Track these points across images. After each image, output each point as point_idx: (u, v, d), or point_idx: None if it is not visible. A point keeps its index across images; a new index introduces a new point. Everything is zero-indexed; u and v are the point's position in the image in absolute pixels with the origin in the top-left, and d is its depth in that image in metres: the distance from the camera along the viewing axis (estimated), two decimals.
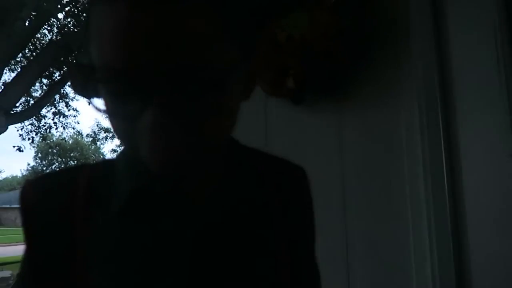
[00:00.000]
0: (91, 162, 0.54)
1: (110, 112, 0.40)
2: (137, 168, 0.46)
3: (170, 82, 0.36)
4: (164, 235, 0.46)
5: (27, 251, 0.47)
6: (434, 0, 1.23)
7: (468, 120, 1.14)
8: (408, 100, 1.23)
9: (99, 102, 0.41)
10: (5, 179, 46.99)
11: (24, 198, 0.47)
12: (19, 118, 9.08)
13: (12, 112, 8.25)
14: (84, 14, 8.82)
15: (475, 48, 1.14)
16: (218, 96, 0.38)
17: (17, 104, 8.86)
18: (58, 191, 0.47)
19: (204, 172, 0.48)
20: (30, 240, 0.47)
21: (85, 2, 9.08)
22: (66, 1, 9.26)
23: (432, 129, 1.16)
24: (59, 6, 9.04)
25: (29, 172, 33.63)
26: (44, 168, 32.09)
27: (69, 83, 8.82)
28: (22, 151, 9.63)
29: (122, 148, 0.50)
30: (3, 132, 7.60)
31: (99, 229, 0.46)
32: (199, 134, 0.39)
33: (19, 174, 43.96)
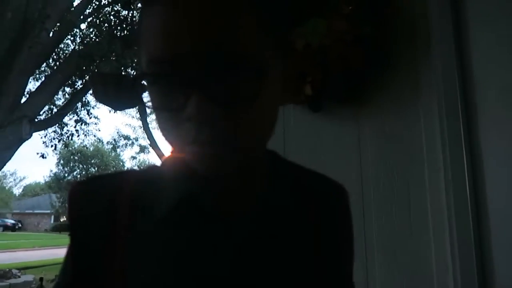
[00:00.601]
0: (138, 168, 0.55)
1: (157, 106, 0.41)
2: (182, 176, 0.46)
3: (211, 73, 0.37)
4: (204, 246, 0.46)
5: (70, 249, 0.48)
6: (454, 4, 1.21)
7: (490, 125, 1.12)
8: (428, 105, 1.21)
9: (147, 100, 0.42)
10: (28, 185, 48.16)
11: (71, 198, 0.49)
12: (43, 125, 9.33)
13: (36, 120, 8.49)
14: (106, 25, 9.05)
15: (496, 51, 1.12)
16: (257, 88, 0.39)
17: (41, 112, 9.12)
18: (103, 194, 0.48)
19: (245, 176, 0.48)
20: (73, 239, 0.48)
21: (106, 13, 9.31)
22: (88, 12, 9.52)
23: (453, 135, 1.14)
24: (81, 17, 9.30)
25: (51, 178, 34.39)
26: (66, 175, 32.77)
27: (90, 92, 9.02)
28: (45, 157, 9.87)
29: (168, 154, 0.50)
30: (28, 139, 7.82)
31: (140, 235, 0.46)
32: (241, 122, 0.39)
33: (42, 181, 45.03)
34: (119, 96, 1.55)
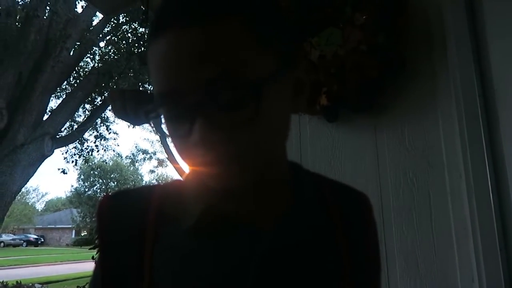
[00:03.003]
0: (164, 182, 0.57)
1: (169, 133, 0.45)
2: (204, 188, 0.47)
3: (211, 99, 0.40)
4: (229, 257, 0.47)
5: (100, 262, 0.50)
6: (469, 5, 1.20)
7: None
8: (447, 110, 1.20)
9: (161, 126, 0.47)
10: (50, 200, 49.04)
11: (100, 212, 0.50)
12: (64, 142, 9.56)
13: (57, 136, 8.70)
14: (124, 42, 9.27)
15: None
16: (256, 107, 0.40)
17: (62, 129, 9.35)
18: (131, 208, 0.50)
19: (265, 189, 0.49)
20: (102, 251, 0.50)
21: (124, 31, 9.55)
22: (107, 30, 9.78)
23: (474, 138, 1.12)
24: (100, 36, 9.56)
25: (72, 193, 34.99)
26: (86, 190, 33.30)
27: (109, 108, 9.20)
28: (66, 173, 10.08)
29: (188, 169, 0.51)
30: (49, 156, 8.01)
31: (167, 247, 0.48)
32: (244, 142, 0.41)
33: (63, 196, 45.86)
34: (137, 111, 1.57)
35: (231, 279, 0.46)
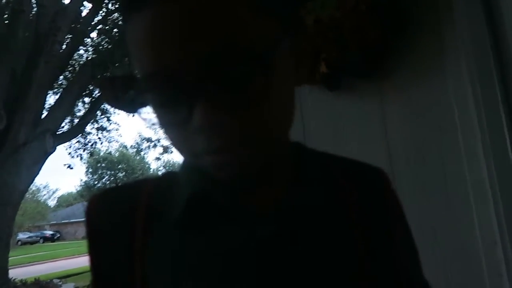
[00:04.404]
0: (155, 176, 0.54)
1: (161, 122, 0.39)
2: (196, 177, 0.44)
3: (213, 77, 0.34)
4: (226, 246, 0.43)
5: (91, 262, 0.48)
6: None
7: None
8: (456, 69, 1.11)
9: (148, 114, 0.40)
10: (62, 196, 49.75)
11: (89, 211, 0.48)
12: (66, 137, 9.55)
13: (58, 132, 8.69)
14: (116, 30, 9.12)
15: None
16: (266, 83, 0.36)
17: (63, 124, 9.32)
18: (120, 205, 0.48)
19: (268, 174, 0.44)
20: (93, 250, 0.48)
21: (114, 19, 9.38)
22: (98, 20, 9.61)
23: (488, 98, 1.04)
24: (91, 26, 9.40)
25: (82, 187, 35.41)
26: (96, 182, 33.68)
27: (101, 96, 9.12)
28: (72, 168, 10.15)
29: (182, 159, 0.47)
30: (52, 153, 8.02)
31: (158, 240, 0.45)
32: (254, 123, 0.37)
33: (74, 190, 46.43)
34: (129, 97, 1.52)
35: (227, 270, 0.42)
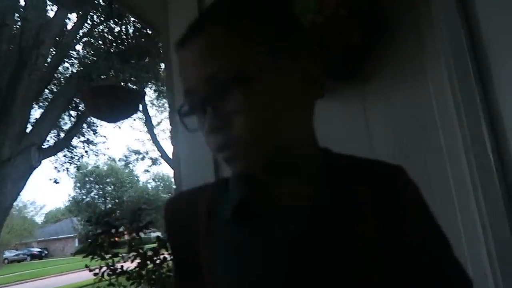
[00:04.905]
0: (212, 182, 0.65)
1: (199, 129, 0.52)
2: (238, 184, 0.56)
3: (212, 91, 0.47)
4: (258, 243, 0.52)
5: (171, 250, 0.61)
6: None
7: (507, 82, 1.04)
8: (435, 70, 1.14)
9: (191, 123, 0.52)
10: (49, 212, 48.71)
11: (165, 211, 0.61)
12: (52, 151, 9.41)
13: (44, 146, 8.56)
14: (101, 43, 9.07)
15: (506, 3, 1.04)
16: (244, 95, 0.46)
17: (48, 138, 9.19)
18: (187, 207, 0.59)
19: (297, 179, 0.53)
20: (170, 242, 0.60)
21: (100, 31, 9.34)
22: (83, 33, 9.56)
23: (467, 97, 1.06)
24: (76, 39, 9.35)
25: (70, 202, 34.79)
26: (84, 197, 33.11)
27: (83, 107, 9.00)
28: (58, 182, 10.01)
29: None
30: (37, 167, 7.89)
31: (215, 238, 0.55)
32: (243, 127, 0.47)
33: (62, 206, 45.57)
34: (112, 108, 1.50)
35: (263, 266, 0.51)
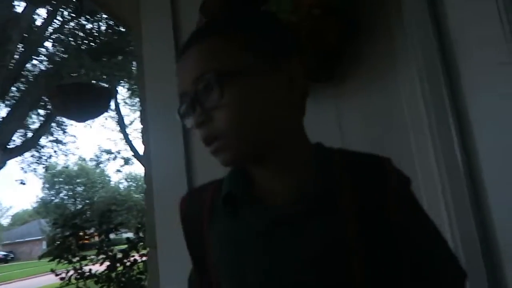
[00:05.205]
0: (221, 178, 0.66)
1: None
2: (227, 179, 0.62)
3: (197, 92, 0.54)
4: (244, 231, 0.57)
5: (187, 248, 0.67)
6: None
7: (474, 82, 1.07)
8: (407, 72, 1.16)
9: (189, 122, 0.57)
10: (16, 214, 47.00)
11: (180, 207, 0.68)
12: (18, 151, 9.06)
13: (10, 146, 8.23)
14: (71, 40, 8.82)
15: (472, 6, 1.07)
16: (222, 94, 0.52)
17: (14, 138, 8.84)
18: (195, 202, 0.67)
19: (285, 171, 0.58)
20: (184, 235, 0.67)
21: (70, 28, 9.08)
22: (53, 30, 9.26)
23: (436, 98, 1.08)
24: (45, 35, 9.04)
25: (38, 204, 33.64)
26: (53, 198, 32.07)
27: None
28: (25, 184, 9.64)
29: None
30: (1, 168, 7.58)
31: (214, 228, 0.61)
32: (223, 122, 0.52)
33: (29, 207, 44.00)
34: (80, 106, 1.45)
35: (245, 251, 0.56)
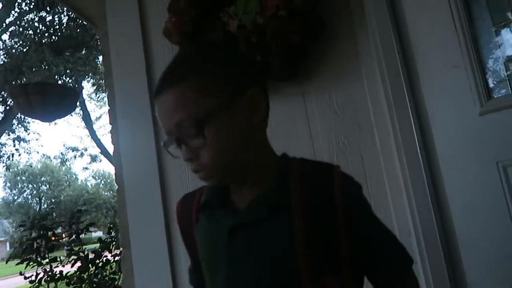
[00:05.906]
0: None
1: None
2: (208, 189, 0.74)
3: (181, 134, 0.64)
4: (214, 231, 0.69)
5: (184, 243, 0.78)
6: None
7: (431, 80, 1.13)
8: (370, 72, 1.21)
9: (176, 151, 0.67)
10: None
11: (176, 211, 0.79)
12: None
13: None
14: (31, 33, 8.43)
15: (429, 8, 1.13)
16: (203, 134, 0.62)
17: None
18: (187, 205, 0.77)
19: (252, 180, 0.68)
20: (181, 235, 0.78)
21: (29, 20, 8.67)
22: (10, 21, 8.82)
23: (398, 97, 1.14)
24: (2, 27, 8.60)
25: (0, 204, 32.19)
26: (16, 197, 30.77)
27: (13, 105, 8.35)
28: None
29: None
30: None
31: (198, 226, 0.73)
32: (203, 156, 0.63)
33: None
34: (44, 106, 1.41)
35: (214, 248, 0.68)
